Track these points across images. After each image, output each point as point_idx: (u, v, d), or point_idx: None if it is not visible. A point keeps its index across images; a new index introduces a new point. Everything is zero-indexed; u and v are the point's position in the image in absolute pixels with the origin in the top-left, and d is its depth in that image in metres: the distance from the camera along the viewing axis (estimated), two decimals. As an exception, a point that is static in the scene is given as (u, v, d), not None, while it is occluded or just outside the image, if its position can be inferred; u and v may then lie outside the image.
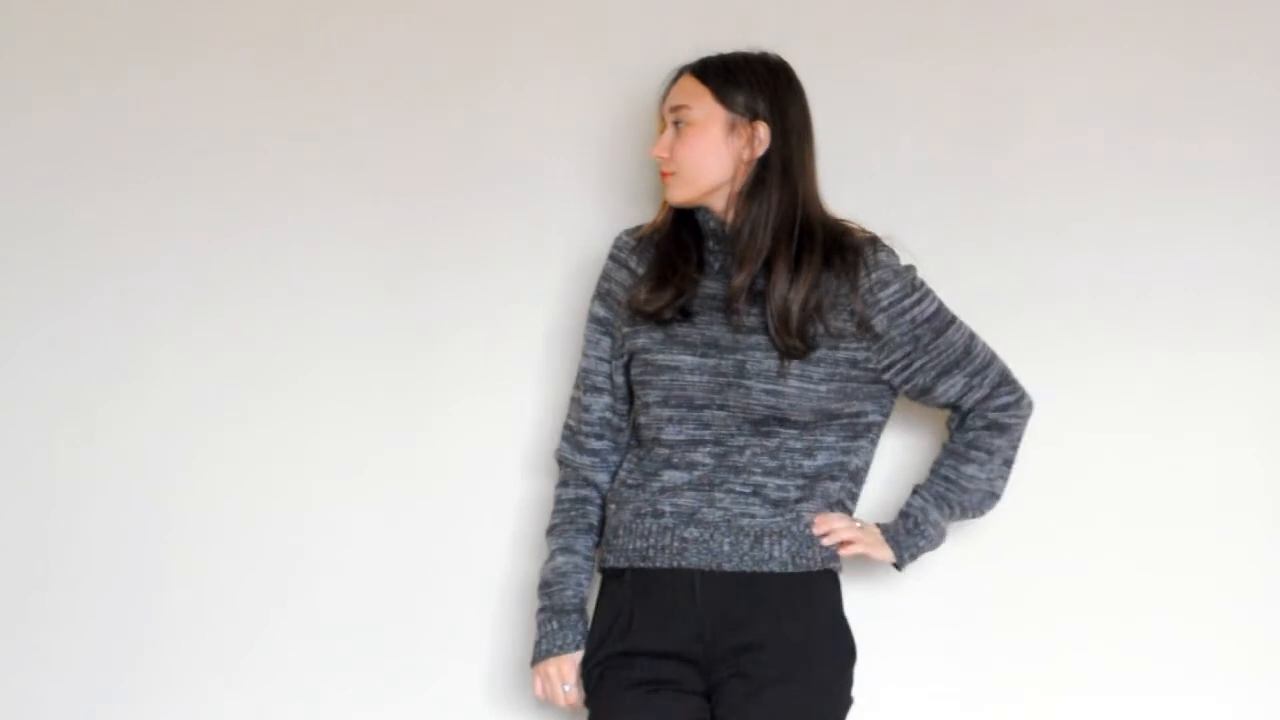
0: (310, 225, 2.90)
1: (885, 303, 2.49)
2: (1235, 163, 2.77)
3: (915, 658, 2.78)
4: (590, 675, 2.50)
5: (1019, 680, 2.77)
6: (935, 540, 2.57)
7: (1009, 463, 2.59)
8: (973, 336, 2.55)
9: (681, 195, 2.52)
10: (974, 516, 2.61)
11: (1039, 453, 2.73)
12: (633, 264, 2.58)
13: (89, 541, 2.90)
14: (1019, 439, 2.59)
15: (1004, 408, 2.56)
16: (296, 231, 2.91)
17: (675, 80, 2.55)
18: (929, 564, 2.71)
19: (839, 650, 2.48)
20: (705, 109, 2.50)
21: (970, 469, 2.56)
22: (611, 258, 2.61)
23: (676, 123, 2.51)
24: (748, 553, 2.45)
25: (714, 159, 2.50)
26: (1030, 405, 2.59)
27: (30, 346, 2.93)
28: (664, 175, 2.53)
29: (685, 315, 2.50)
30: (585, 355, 2.61)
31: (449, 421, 2.87)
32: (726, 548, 2.45)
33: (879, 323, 2.49)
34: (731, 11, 2.83)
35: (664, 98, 2.56)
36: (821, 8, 2.85)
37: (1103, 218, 2.79)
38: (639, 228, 2.62)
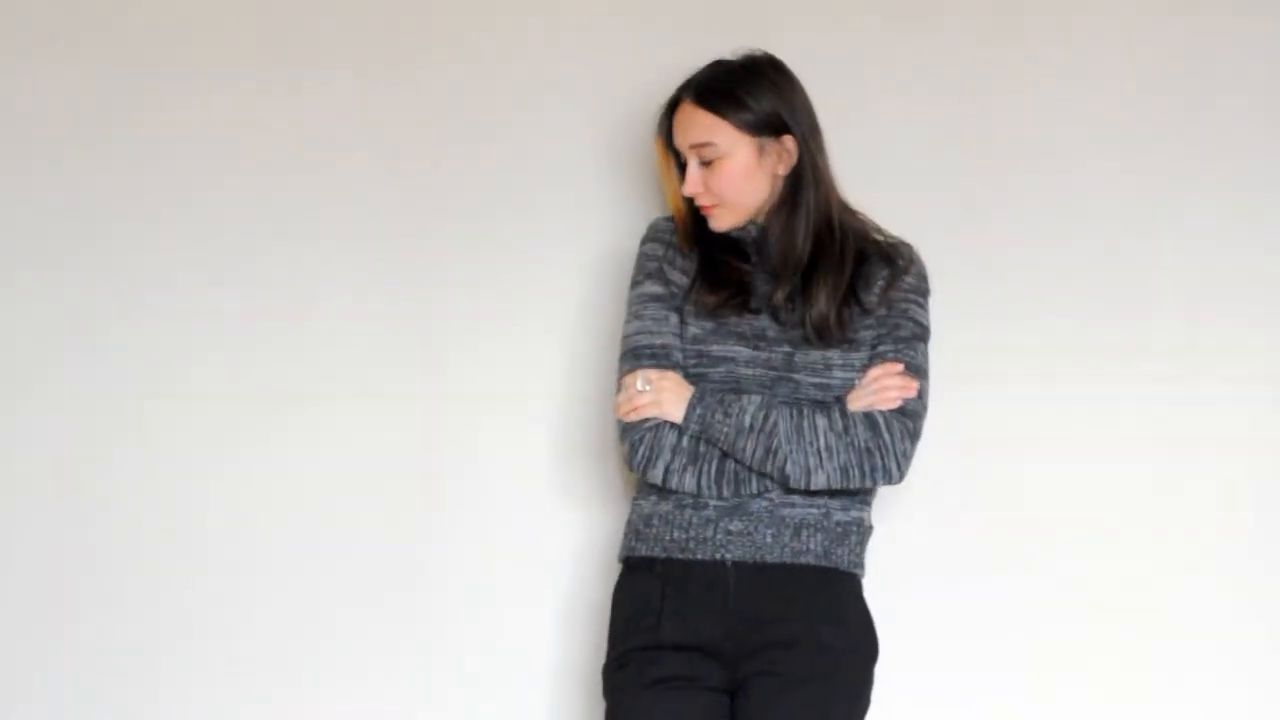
0: (311, 224, 2.89)
1: (903, 285, 2.51)
2: (1236, 164, 2.79)
3: (924, 660, 2.79)
4: (610, 667, 2.48)
5: (1026, 686, 2.79)
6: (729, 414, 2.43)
7: (798, 442, 2.40)
8: (927, 384, 2.48)
9: (730, 223, 2.53)
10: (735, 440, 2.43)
11: (1039, 456, 2.75)
12: (677, 243, 2.56)
13: (95, 545, 2.89)
14: (842, 455, 2.41)
15: (880, 445, 2.42)
16: (296, 231, 2.89)
17: (676, 107, 2.52)
18: (940, 567, 2.76)
19: (866, 651, 2.49)
20: (729, 140, 2.48)
21: (821, 420, 2.43)
22: (655, 240, 2.58)
23: (704, 158, 2.49)
24: (788, 544, 2.45)
25: (753, 183, 2.51)
26: (876, 478, 2.42)
27: (30, 351, 2.91)
28: (705, 208, 2.51)
29: (744, 308, 2.49)
30: (656, 333, 2.50)
31: (455, 422, 2.86)
32: (769, 539, 2.45)
33: (886, 301, 2.50)
34: (729, 8, 2.82)
35: (668, 130, 2.52)
36: (819, 7, 2.85)
37: (1103, 219, 2.81)
38: (672, 216, 2.60)
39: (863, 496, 2.50)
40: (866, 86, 2.82)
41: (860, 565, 2.51)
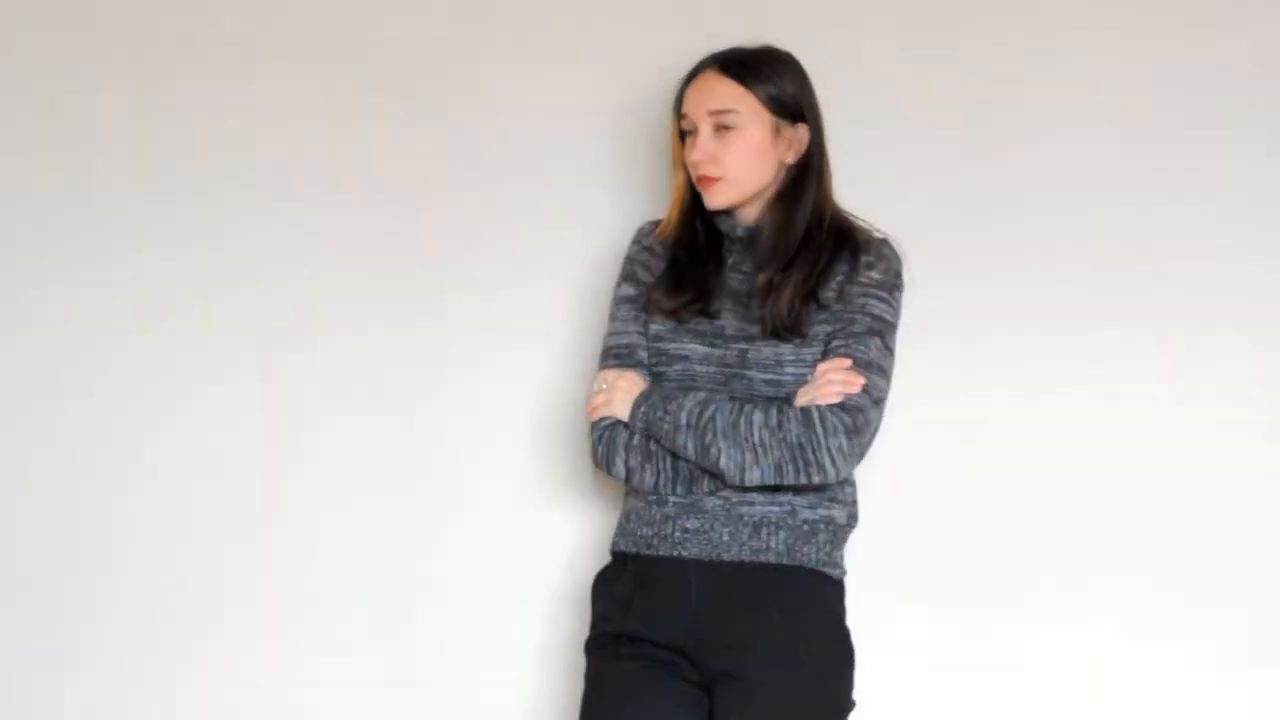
0: (312, 226, 2.91)
1: (862, 280, 2.47)
2: (1236, 164, 2.78)
3: (914, 661, 2.78)
4: (590, 646, 2.49)
5: (1017, 684, 2.78)
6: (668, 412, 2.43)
7: (735, 443, 2.38)
8: (881, 378, 2.43)
9: (726, 200, 2.50)
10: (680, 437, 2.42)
11: (1039, 456, 2.75)
12: (656, 248, 2.57)
13: (90, 543, 2.90)
14: (775, 448, 2.37)
15: (816, 440, 2.37)
16: (298, 233, 2.91)
17: (695, 77, 2.51)
18: (930, 567, 2.75)
19: (834, 654, 2.45)
20: (750, 112, 2.47)
21: (758, 416, 2.39)
22: (636, 243, 2.60)
23: (721, 126, 2.47)
24: (746, 542, 2.43)
25: (762, 164, 2.49)
26: (810, 474, 2.38)
27: (27, 351, 2.92)
28: (705, 180, 2.48)
29: (704, 313, 2.48)
30: (623, 334, 2.53)
31: (454, 422, 2.88)
32: (726, 537, 2.43)
33: (842, 296, 2.46)
34: (732, 7, 2.82)
35: (683, 96, 2.51)
36: (821, 3, 2.85)
37: (1104, 216, 2.79)
38: (659, 221, 2.60)
39: (832, 493, 2.47)
40: (866, 85, 2.82)
41: (833, 564, 2.48)
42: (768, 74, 2.49)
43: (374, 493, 2.87)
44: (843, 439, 2.38)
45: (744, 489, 2.43)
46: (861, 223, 2.55)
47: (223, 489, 2.89)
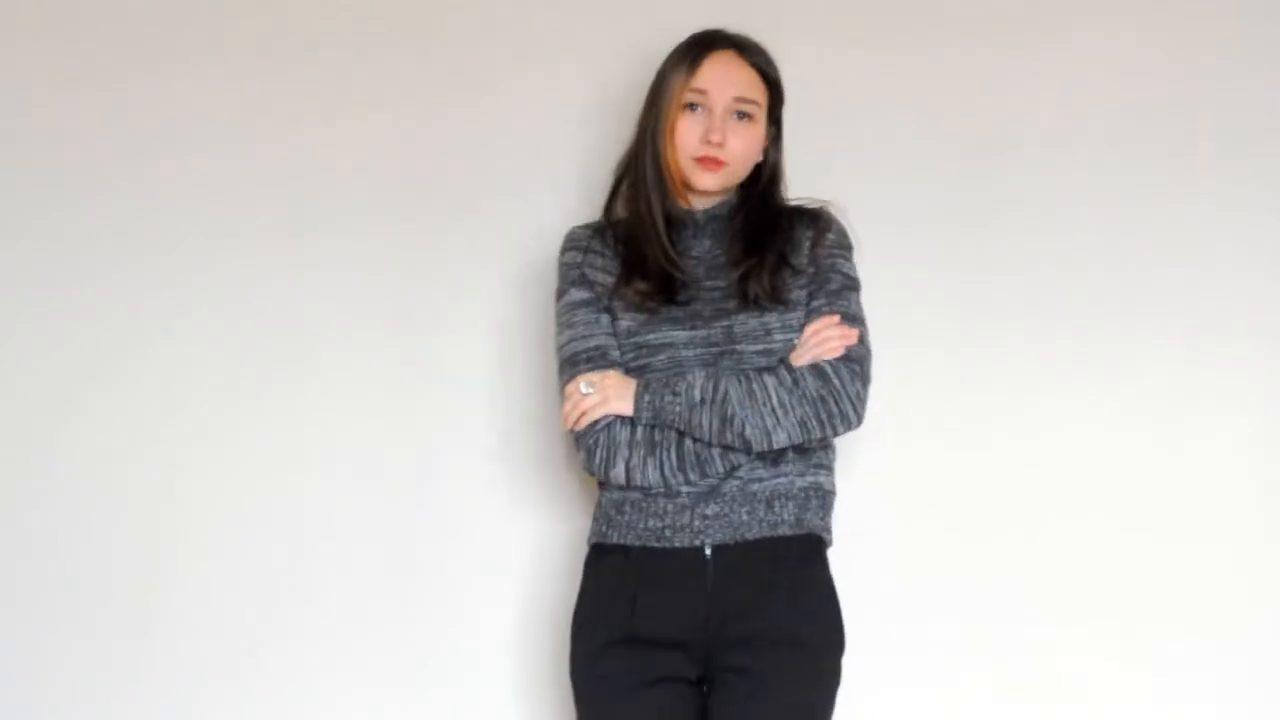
0: (302, 223, 2.90)
1: (826, 242, 2.50)
2: (1234, 161, 2.78)
3: (912, 661, 2.79)
4: (584, 661, 2.44)
5: (1016, 683, 2.78)
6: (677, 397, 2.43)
7: (757, 407, 2.39)
8: (865, 329, 2.46)
9: (722, 185, 2.50)
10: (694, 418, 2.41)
11: (1037, 448, 2.74)
12: (598, 247, 2.54)
13: (86, 544, 2.90)
14: (797, 406, 2.39)
15: (837, 387, 2.40)
16: (286, 229, 2.90)
17: (712, 52, 2.49)
18: (924, 556, 2.76)
19: (835, 641, 2.45)
20: (763, 107, 2.51)
21: (770, 379, 2.41)
22: (572, 249, 2.55)
23: (740, 114, 2.48)
24: (763, 517, 2.43)
25: (756, 157, 2.53)
26: (835, 424, 2.41)
27: (22, 345, 2.92)
28: (712, 162, 2.47)
29: (673, 300, 2.48)
30: (589, 337, 2.48)
31: (437, 421, 2.88)
32: (745, 516, 2.43)
33: (813, 259, 2.49)
34: (726, 6, 2.82)
35: (699, 69, 2.47)
36: (822, 3, 2.85)
37: (1102, 215, 2.80)
38: (590, 225, 2.59)
39: (817, 460, 2.47)
40: (866, 86, 2.82)
41: (827, 529, 2.49)
42: (776, 72, 2.52)
43: (369, 493, 2.87)
44: (859, 386, 2.42)
45: (755, 459, 2.42)
46: (798, 200, 2.57)
47: (217, 492, 2.89)
